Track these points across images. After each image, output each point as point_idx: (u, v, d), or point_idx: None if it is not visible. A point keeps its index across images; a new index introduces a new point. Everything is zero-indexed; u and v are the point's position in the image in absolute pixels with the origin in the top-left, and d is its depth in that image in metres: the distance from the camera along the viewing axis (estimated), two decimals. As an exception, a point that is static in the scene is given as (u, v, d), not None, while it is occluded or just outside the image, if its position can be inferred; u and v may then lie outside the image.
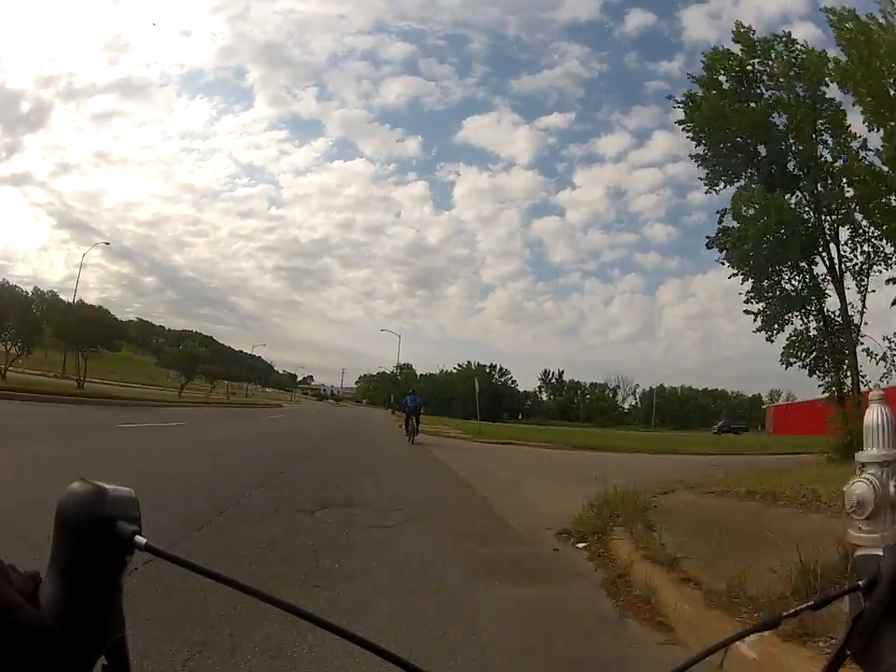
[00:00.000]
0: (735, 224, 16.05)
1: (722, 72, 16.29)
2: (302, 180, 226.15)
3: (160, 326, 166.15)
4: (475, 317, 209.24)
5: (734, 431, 71.28)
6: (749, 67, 16.05)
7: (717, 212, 16.85)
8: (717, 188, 16.86)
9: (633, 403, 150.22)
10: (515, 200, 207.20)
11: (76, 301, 38.05)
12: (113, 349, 36.47)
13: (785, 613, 0.66)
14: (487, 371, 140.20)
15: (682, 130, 16.82)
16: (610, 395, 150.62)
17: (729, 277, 16.21)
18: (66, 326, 30.80)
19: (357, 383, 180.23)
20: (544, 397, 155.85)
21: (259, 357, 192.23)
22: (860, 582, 0.66)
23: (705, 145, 16.65)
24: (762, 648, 2.89)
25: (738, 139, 16.25)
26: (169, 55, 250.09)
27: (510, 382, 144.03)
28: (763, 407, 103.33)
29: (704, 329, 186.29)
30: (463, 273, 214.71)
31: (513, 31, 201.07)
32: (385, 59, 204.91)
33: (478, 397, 37.50)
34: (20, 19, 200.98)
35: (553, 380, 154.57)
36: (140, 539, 0.52)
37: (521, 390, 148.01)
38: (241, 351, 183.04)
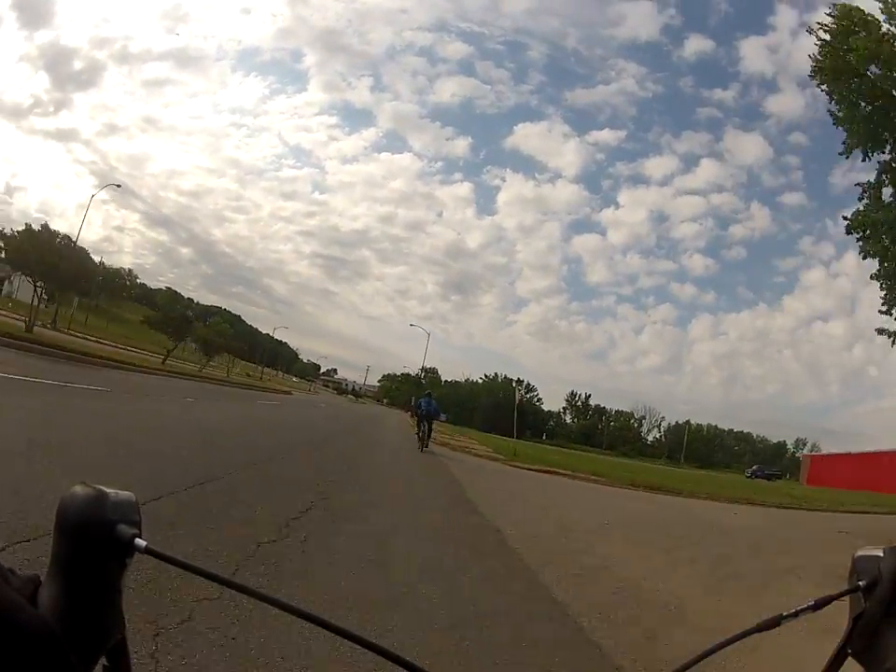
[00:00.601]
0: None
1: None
2: (348, 168, 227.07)
3: (189, 298, 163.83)
4: (506, 330, 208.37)
5: (766, 478, 68.25)
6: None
7: (857, 184, 14.08)
8: (870, 152, 13.60)
9: (657, 436, 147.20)
10: (558, 213, 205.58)
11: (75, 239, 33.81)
12: (83, 295, 31.90)
13: (785, 614, 0.65)
14: (514, 385, 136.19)
15: (813, 75, 13.65)
16: (635, 424, 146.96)
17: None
18: (22, 251, 26.32)
19: (379, 381, 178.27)
20: (568, 419, 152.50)
21: (286, 343, 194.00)
22: (860, 582, 0.66)
23: (847, 97, 13.33)
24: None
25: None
26: (227, 30, 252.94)
27: (535, 399, 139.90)
28: (798, 455, 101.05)
29: (731, 368, 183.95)
30: (499, 282, 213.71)
31: (573, 43, 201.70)
32: (442, 57, 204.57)
33: (515, 410, 33.63)
34: None
35: (579, 403, 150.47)
36: (140, 542, 0.52)
37: (545, 409, 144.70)
38: (267, 334, 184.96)
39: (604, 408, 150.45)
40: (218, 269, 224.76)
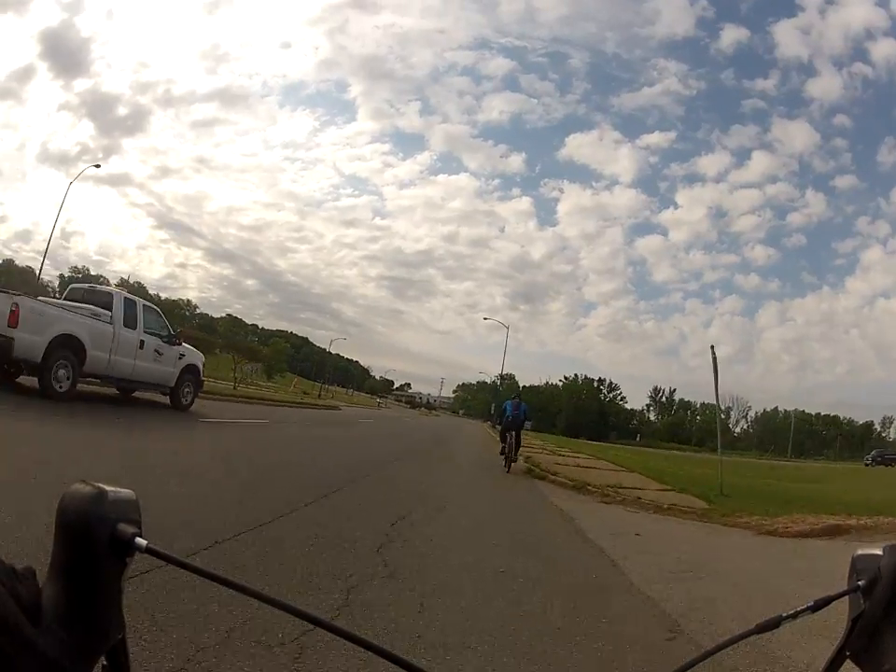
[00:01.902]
0: None
1: None
2: (406, 192, 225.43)
3: (252, 324, 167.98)
4: (576, 334, 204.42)
5: (886, 463, 61.20)
6: None
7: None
8: None
9: (744, 427, 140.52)
10: (618, 218, 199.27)
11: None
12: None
13: (785, 614, 0.65)
14: (596, 385, 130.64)
15: None
16: (723, 417, 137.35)
17: None
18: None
19: (454, 392, 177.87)
20: (652, 416, 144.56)
21: (357, 361, 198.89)
22: (859, 583, 0.66)
23: None
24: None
25: None
26: (269, 66, 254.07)
27: (619, 398, 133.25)
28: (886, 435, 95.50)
29: (800, 353, 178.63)
30: (565, 289, 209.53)
31: (612, 47, 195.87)
32: (485, 74, 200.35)
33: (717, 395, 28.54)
34: (112, 26, 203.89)
35: (664, 398, 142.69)
36: (140, 542, 0.52)
37: (627, 408, 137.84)
38: (337, 354, 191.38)
39: (689, 402, 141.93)
40: (285, 297, 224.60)
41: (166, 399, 14.97)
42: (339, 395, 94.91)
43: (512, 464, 15.50)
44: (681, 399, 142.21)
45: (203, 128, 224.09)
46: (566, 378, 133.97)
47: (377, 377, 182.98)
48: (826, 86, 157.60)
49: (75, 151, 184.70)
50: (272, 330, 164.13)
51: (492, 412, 62.64)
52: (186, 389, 15.21)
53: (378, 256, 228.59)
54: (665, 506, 11.09)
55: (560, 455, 22.78)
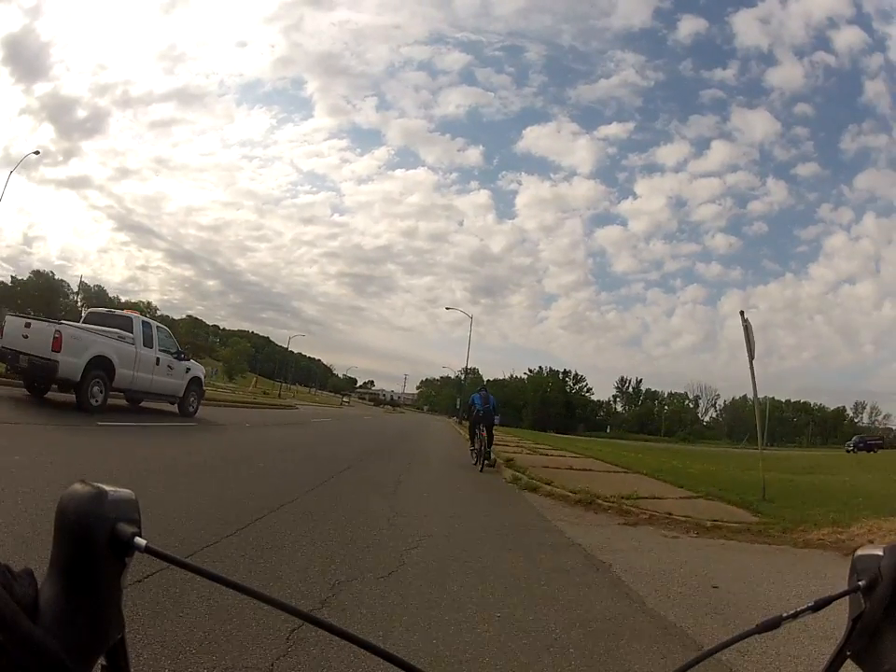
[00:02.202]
0: None
1: None
2: (365, 188, 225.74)
3: (213, 325, 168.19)
4: (538, 326, 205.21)
5: (868, 449, 61.17)
6: None
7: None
8: None
9: (713, 416, 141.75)
10: (577, 209, 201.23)
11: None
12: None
13: (785, 615, 0.66)
14: (561, 377, 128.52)
15: None
16: (690, 406, 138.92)
17: None
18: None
19: (418, 388, 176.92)
20: (619, 407, 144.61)
21: (319, 360, 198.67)
22: (860, 583, 0.66)
23: None
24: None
25: None
26: (226, 65, 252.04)
27: (584, 390, 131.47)
28: (858, 421, 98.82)
29: (765, 340, 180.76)
30: (526, 281, 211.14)
31: (568, 40, 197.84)
32: (442, 69, 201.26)
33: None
34: (71, 29, 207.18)
35: (630, 389, 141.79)
36: (140, 541, 0.52)
37: (594, 399, 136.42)
38: (300, 353, 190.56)
39: (655, 392, 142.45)
40: (246, 297, 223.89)
41: (174, 408, 16.35)
42: (301, 394, 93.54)
43: (486, 462, 13.56)
44: (648, 389, 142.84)
45: (161, 128, 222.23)
46: (530, 371, 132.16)
47: (340, 375, 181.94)
48: (787, 75, 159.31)
49: (36, 155, 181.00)
50: (233, 331, 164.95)
51: (458, 406, 59.62)
52: (191, 398, 16.75)
53: (337, 252, 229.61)
54: (708, 524, 8.07)
55: (542, 453, 19.54)
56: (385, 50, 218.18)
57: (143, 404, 15.82)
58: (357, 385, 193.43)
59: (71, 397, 12.75)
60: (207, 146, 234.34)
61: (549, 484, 10.80)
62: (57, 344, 11.90)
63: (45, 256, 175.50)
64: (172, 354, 15.75)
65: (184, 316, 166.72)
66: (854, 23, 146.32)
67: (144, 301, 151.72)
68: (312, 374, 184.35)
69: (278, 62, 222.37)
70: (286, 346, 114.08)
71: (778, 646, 3.68)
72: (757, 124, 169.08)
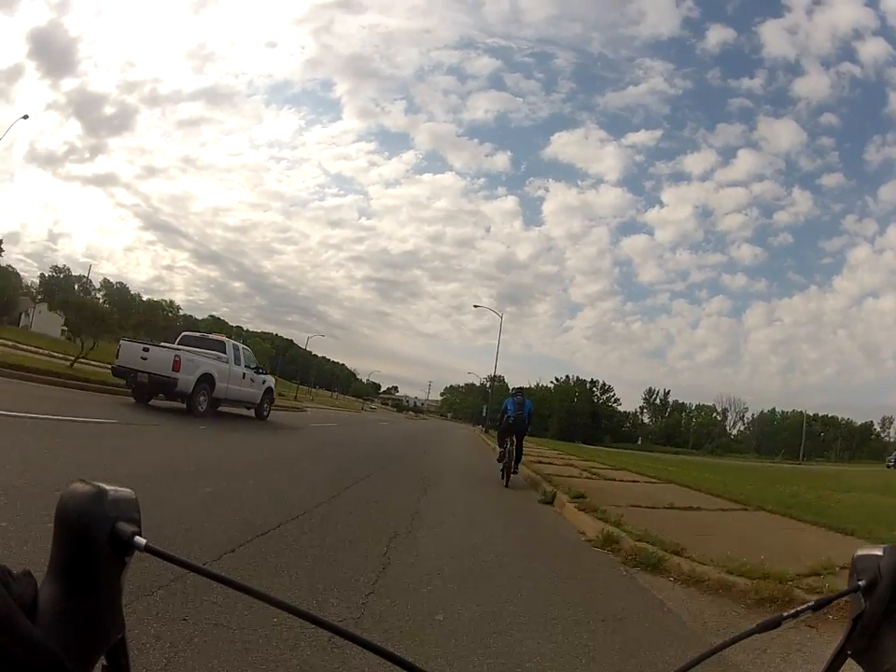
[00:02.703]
0: None
1: None
2: (392, 192, 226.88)
3: (237, 326, 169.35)
4: (562, 336, 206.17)
5: None
6: None
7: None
8: None
9: (740, 429, 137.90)
10: (604, 217, 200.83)
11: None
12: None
13: (785, 614, 0.67)
14: (588, 387, 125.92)
15: None
16: (718, 418, 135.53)
17: None
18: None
19: (441, 395, 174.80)
20: (646, 418, 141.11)
21: (343, 364, 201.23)
22: (860, 582, 0.67)
23: None
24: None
25: None
26: (255, 65, 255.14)
27: (611, 400, 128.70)
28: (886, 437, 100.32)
29: (788, 354, 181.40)
30: (552, 290, 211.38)
31: (597, 47, 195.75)
32: (471, 74, 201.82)
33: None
34: (99, 25, 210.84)
35: (658, 401, 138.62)
36: (140, 540, 0.52)
37: (621, 410, 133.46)
38: (323, 357, 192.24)
39: (683, 404, 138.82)
40: (272, 299, 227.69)
41: (250, 413, 19.33)
42: (322, 398, 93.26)
43: (511, 475, 12.52)
44: (675, 401, 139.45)
45: (189, 127, 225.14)
46: (557, 380, 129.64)
47: (364, 380, 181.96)
48: (813, 85, 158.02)
49: (62, 151, 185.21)
50: (256, 332, 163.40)
51: (484, 414, 57.60)
52: (265, 404, 19.75)
53: (364, 257, 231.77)
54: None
55: (606, 476, 15.35)
56: (414, 54, 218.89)
57: (221, 409, 17.74)
58: (381, 390, 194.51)
59: (172, 403, 16.22)
60: (235, 146, 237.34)
61: (678, 554, 6.03)
62: (177, 366, 14.84)
63: (70, 253, 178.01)
64: (252, 369, 18.77)
65: (206, 317, 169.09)
66: (879, 35, 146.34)
67: (166, 299, 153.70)
68: (335, 378, 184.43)
69: (307, 63, 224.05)
70: (310, 350, 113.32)
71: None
72: (783, 134, 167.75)
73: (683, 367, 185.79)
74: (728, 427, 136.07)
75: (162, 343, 16.82)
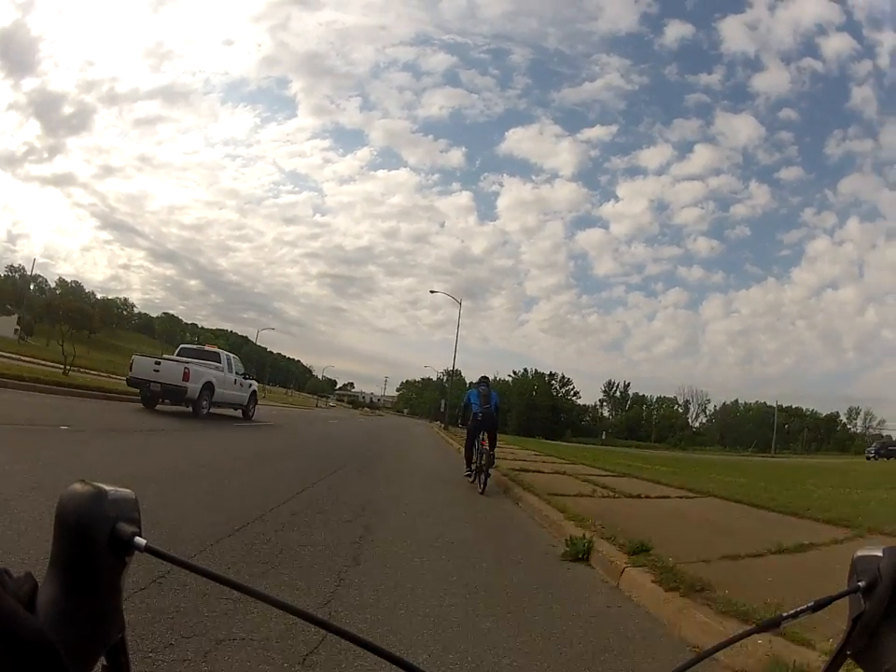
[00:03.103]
0: None
1: None
2: (347, 188, 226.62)
3: (192, 323, 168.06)
4: (519, 329, 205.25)
5: (890, 455, 57.80)
6: None
7: None
8: None
9: (702, 421, 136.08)
10: (559, 212, 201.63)
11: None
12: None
13: (785, 614, 0.67)
14: (547, 379, 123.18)
15: None
16: (679, 411, 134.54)
17: None
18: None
19: (398, 390, 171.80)
20: (605, 412, 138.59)
21: (298, 361, 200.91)
22: (860, 583, 0.67)
23: None
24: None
25: None
26: (212, 64, 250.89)
27: (571, 393, 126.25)
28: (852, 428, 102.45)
29: (747, 345, 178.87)
30: (507, 284, 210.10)
31: (553, 43, 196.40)
32: (426, 70, 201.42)
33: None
34: (60, 23, 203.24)
35: (617, 393, 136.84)
36: (140, 541, 0.52)
37: (580, 404, 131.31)
38: (279, 354, 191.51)
39: (643, 396, 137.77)
40: (228, 297, 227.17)
41: (237, 413, 21.59)
42: (276, 395, 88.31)
43: (486, 479, 10.10)
44: (636, 394, 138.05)
45: (146, 126, 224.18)
46: (514, 373, 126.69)
47: (319, 377, 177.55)
48: (773, 80, 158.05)
49: (22, 151, 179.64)
50: (211, 329, 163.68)
51: (442, 409, 53.45)
52: (251, 406, 22.20)
53: (319, 253, 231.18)
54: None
55: (619, 491, 10.57)
56: (370, 51, 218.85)
57: (211, 410, 18.88)
58: (337, 386, 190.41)
59: (173, 407, 17.80)
60: (191, 144, 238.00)
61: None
62: (186, 376, 16.85)
63: (28, 254, 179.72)
64: (240, 375, 21.03)
65: (160, 314, 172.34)
66: (844, 30, 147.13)
67: (120, 297, 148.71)
68: (290, 375, 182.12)
69: (264, 61, 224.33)
70: (264, 346, 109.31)
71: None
72: (741, 128, 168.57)
73: (641, 359, 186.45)
74: (690, 420, 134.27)
75: (170, 357, 19.13)
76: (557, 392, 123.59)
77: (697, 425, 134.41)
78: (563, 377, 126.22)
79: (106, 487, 0.53)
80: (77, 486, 0.52)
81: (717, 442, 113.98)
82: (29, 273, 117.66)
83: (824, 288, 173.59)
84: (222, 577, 0.54)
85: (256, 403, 22.95)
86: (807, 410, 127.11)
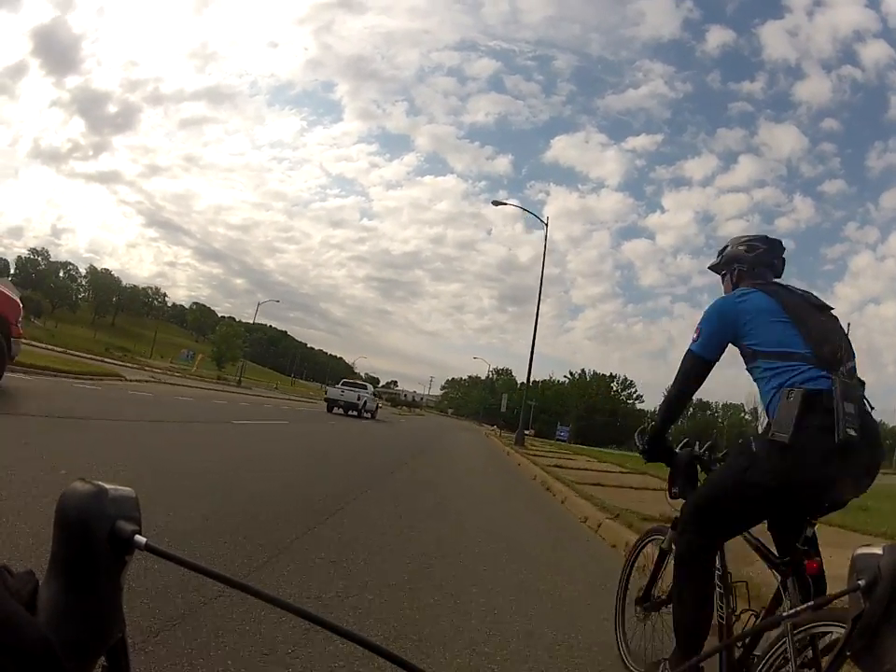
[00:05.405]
0: None
1: None
2: (393, 193, 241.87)
3: (228, 317, 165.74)
4: (564, 336, 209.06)
5: None
6: None
7: None
8: None
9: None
10: (605, 221, 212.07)
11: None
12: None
13: (785, 613, 0.69)
14: (607, 380, 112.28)
15: None
16: (748, 418, 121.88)
17: None
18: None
19: (442, 389, 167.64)
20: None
21: (341, 358, 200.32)
22: (860, 582, 0.67)
23: None
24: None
25: None
26: (257, 66, 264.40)
27: (633, 397, 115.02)
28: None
29: None
30: (553, 291, 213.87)
31: (597, 49, 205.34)
32: (471, 75, 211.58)
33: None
34: (102, 23, 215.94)
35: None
36: (140, 539, 0.52)
37: (640, 409, 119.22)
38: (321, 350, 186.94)
39: (707, 402, 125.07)
40: (274, 296, 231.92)
41: (368, 416, 32.07)
42: (305, 388, 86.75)
43: None
44: (700, 400, 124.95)
45: (192, 126, 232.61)
46: (571, 374, 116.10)
47: (363, 374, 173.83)
48: (814, 89, 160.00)
49: (66, 148, 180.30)
50: (246, 322, 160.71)
51: (503, 409, 43.16)
52: (377, 410, 36.34)
53: (365, 257, 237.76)
54: None
55: None
56: (415, 55, 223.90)
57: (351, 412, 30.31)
58: (380, 384, 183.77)
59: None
60: (237, 146, 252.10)
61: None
62: (360, 399, 30.26)
63: (73, 248, 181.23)
64: (372, 394, 34.40)
65: (191, 305, 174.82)
66: (880, 37, 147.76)
67: (151, 287, 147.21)
68: (332, 372, 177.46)
69: (309, 63, 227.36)
70: (304, 342, 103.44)
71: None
72: (784, 139, 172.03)
73: None
74: (759, 428, 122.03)
75: (348, 387, 32.22)
76: (618, 395, 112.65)
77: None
78: (624, 379, 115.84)
79: (107, 486, 0.52)
80: (78, 484, 0.51)
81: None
82: (54, 260, 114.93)
83: (867, 303, 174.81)
84: (225, 577, 0.53)
85: (377, 408, 36.34)
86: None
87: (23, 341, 10.21)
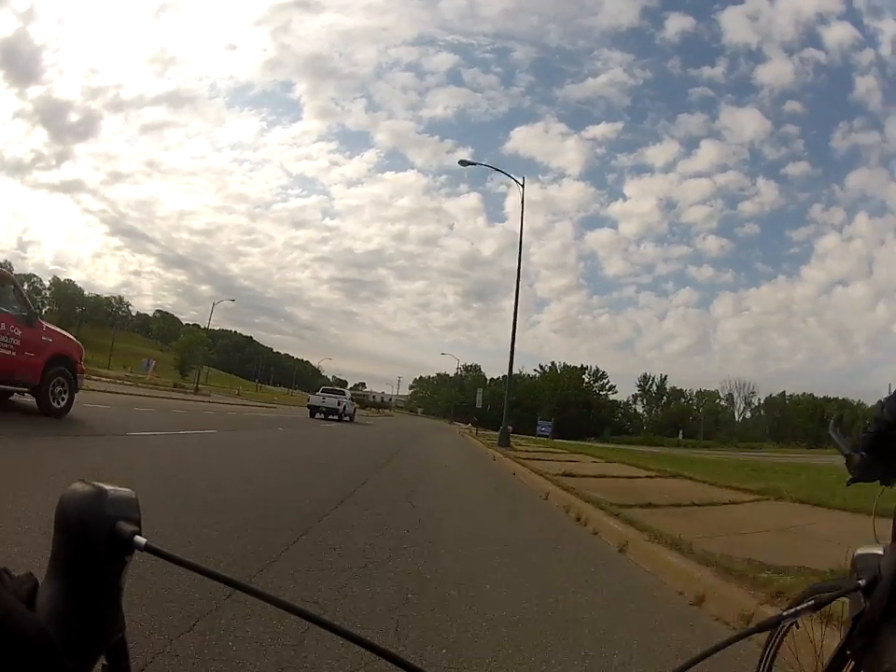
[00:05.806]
0: None
1: None
2: (354, 191, 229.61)
3: (186, 323, 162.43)
4: (530, 330, 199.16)
5: None
6: None
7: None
8: None
9: (746, 416, 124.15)
10: (567, 212, 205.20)
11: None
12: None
13: (785, 613, 0.66)
14: (578, 372, 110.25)
15: None
16: (723, 405, 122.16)
17: None
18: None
19: (411, 388, 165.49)
20: (639, 408, 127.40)
21: (308, 361, 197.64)
22: (860, 582, 0.67)
23: None
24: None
25: None
26: (216, 69, 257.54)
27: (605, 387, 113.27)
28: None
29: (758, 343, 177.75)
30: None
31: (555, 40, 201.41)
32: (429, 70, 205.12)
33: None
34: (62, 32, 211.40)
35: (653, 387, 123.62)
36: (140, 540, 0.52)
37: (613, 399, 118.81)
38: (286, 354, 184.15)
39: (681, 390, 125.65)
40: (240, 302, 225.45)
41: (347, 419, 35.33)
42: (272, 394, 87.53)
43: None
44: (673, 388, 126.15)
45: (153, 131, 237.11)
46: (541, 367, 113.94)
47: (329, 377, 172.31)
48: (776, 72, 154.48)
49: (29, 158, 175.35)
50: (213, 329, 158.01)
51: (478, 405, 40.80)
52: (353, 412, 38.48)
53: (329, 257, 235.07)
54: None
55: None
56: (373, 52, 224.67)
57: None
58: (348, 386, 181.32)
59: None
60: (198, 149, 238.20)
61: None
62: (340, 405, 34.36)
63: (39, 261, 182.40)
64: (350, 399, 38.21)
65: (154, 313, 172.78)
66: (844, 19, 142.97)
67: (116, 296, 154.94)
68: (299, 376, 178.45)
69: (267, 64, 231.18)
70: (269, 347, 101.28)
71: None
72: (746, 123, 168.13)
73: (653, 357, 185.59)
74: (737, 415, 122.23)
75: (328, 394, 36.17)
76: (590, 387, 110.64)
77: (740, 419, 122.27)
78: (596, 370, 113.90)
79: (106, 487, 0.52)
80: (77, 485, 0.52)
81: (768, 438, 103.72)
82: (18, 273, 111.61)
83: (834, 285, 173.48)
84: (226, 577, 0.54)
85: (355, 411, 39.92)
86: (852, 400, 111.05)
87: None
